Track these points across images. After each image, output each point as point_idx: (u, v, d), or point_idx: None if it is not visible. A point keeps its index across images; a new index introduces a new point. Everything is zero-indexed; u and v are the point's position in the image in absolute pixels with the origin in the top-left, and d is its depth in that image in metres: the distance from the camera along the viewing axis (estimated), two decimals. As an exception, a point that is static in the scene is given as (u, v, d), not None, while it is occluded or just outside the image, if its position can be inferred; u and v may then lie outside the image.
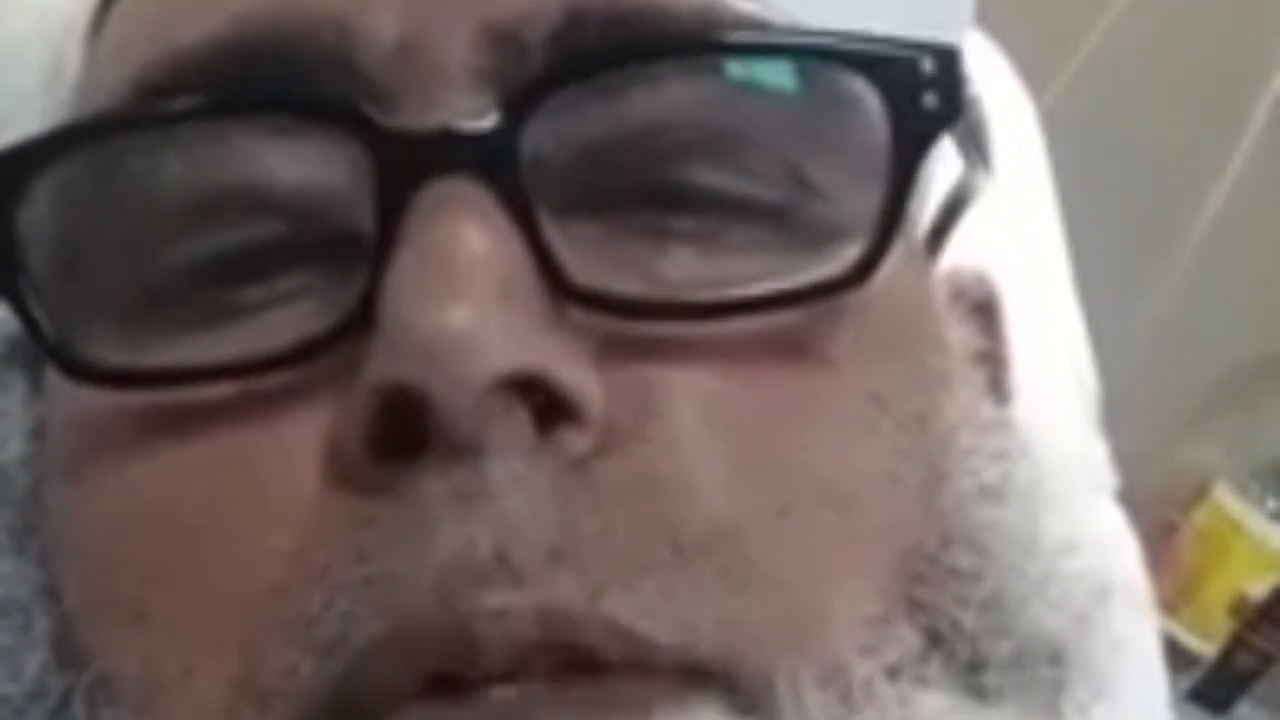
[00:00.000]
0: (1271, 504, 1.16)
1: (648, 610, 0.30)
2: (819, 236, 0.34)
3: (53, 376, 0.35)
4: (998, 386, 0.39)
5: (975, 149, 0.35)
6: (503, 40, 0.33)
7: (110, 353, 0.33)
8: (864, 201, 0.33)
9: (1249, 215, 1.06)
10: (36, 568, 0.35)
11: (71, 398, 0.34)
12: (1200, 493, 1.17)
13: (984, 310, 0.40)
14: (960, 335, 0.37)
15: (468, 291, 0.30)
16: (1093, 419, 0.56)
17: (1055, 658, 0.34)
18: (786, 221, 0.34)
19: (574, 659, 0.30)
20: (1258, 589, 1.15)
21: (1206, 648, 1.14)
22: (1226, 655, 1.14)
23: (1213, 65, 1.03)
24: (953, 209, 0.37)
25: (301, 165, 0.33)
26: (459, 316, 0.30)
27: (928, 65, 0.33)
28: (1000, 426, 0.36)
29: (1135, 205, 1.00)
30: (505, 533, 0.30)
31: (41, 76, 0.38)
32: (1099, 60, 0.98)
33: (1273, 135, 1.04)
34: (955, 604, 0.33)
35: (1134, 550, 0.52)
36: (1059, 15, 0.99)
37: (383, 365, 0.31)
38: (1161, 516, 1.12)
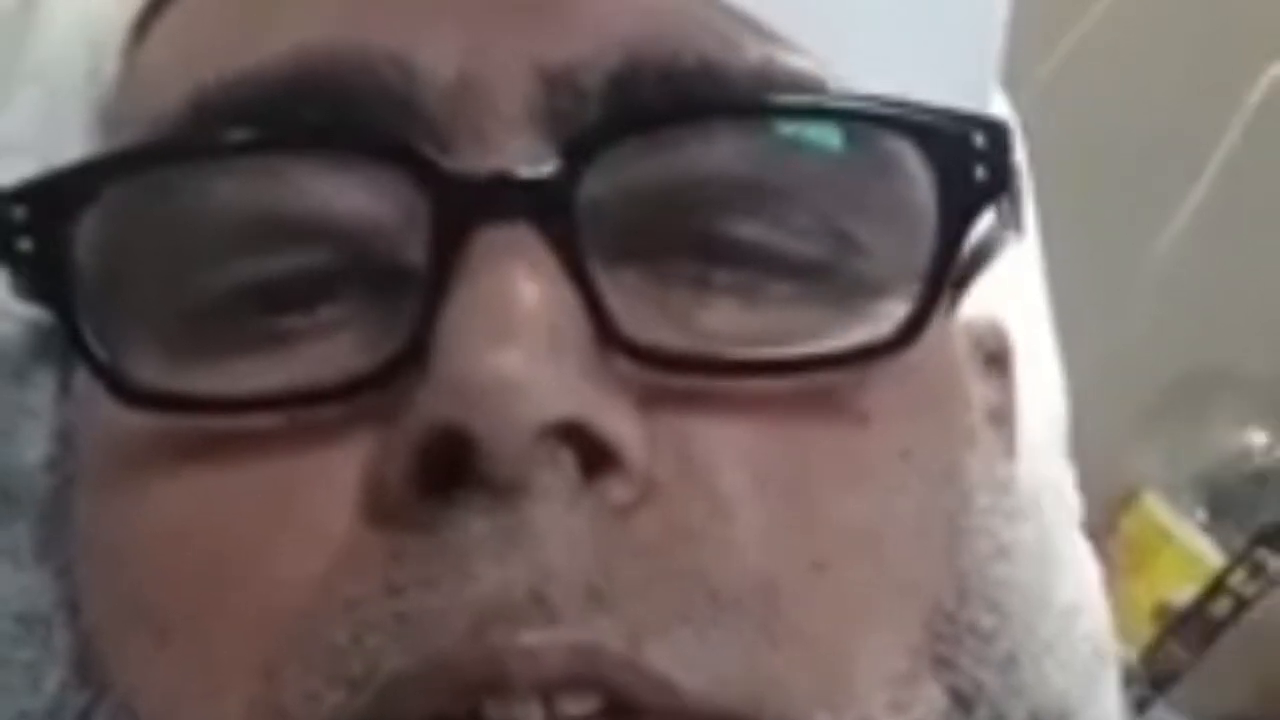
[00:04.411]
0: (1200, 515, 1.18)
1: (684, 660, 0.31)
2: (858, 294, 0.34)
3: (87, 385, 0.35)
4: (1008, 441, 0.39)
5: (1011, 212, 0.36)
6: (559, 84, 0.33)
7: (152, 374, 0.33)
8: (906, 263, 0.34)
9: (1208, 236, 1.07)
10: (58, 580, 0.35)
11: (108, 410, 0.34)
12: (1130, 499, 1.19)
13: (997, 361, 0.40)
14: (980, 391, 0.38)
15: (520, 340, 0.31)
16: (1063, 441, 0.57)
17: (1065, 719, 0.35)
18: (827, 278, 0.34)
19: (603, 706, 0.31)
20: (1181, 597, 1.17)
21: (1128, 651, 1.16)
22: (1147, 659, 1.16)
23: (1184, 82, 1.05)
24: (976, 262, 0.38)
25: (353, 197, 0.33)
26: (511, 362, 0.30)
27: (979, 139, 0.34)
28: (1013, 484, 0.37)
29: (1096, 220, 1.01)
30: (542, 574, 0.31)
31: (83, 73, 0.38)
32: (1063, 81, 0.99)
33: (1240, 159, 1.05)
34: (975, 663, 0.34)
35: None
36: (1035, 21, 1.00)
37: (434, 406, 0.31)
38: (1091, 520, 1.13)
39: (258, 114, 0.33)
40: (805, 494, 0.33)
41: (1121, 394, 1.13)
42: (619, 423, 0.32)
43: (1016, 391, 0.41)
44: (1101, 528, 1.20)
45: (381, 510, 0.32)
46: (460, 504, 0.31)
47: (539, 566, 0.31)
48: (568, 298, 0.32)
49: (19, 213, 0.33)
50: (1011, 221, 0.36)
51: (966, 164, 0.34)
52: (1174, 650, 1.16)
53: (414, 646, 0.31)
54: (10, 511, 0.37)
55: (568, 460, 0.31)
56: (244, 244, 0.34)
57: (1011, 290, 0.51)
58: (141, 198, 0.34)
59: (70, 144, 0.38)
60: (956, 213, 0.34)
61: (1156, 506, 1.18)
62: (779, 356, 0.33)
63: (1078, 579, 0.38)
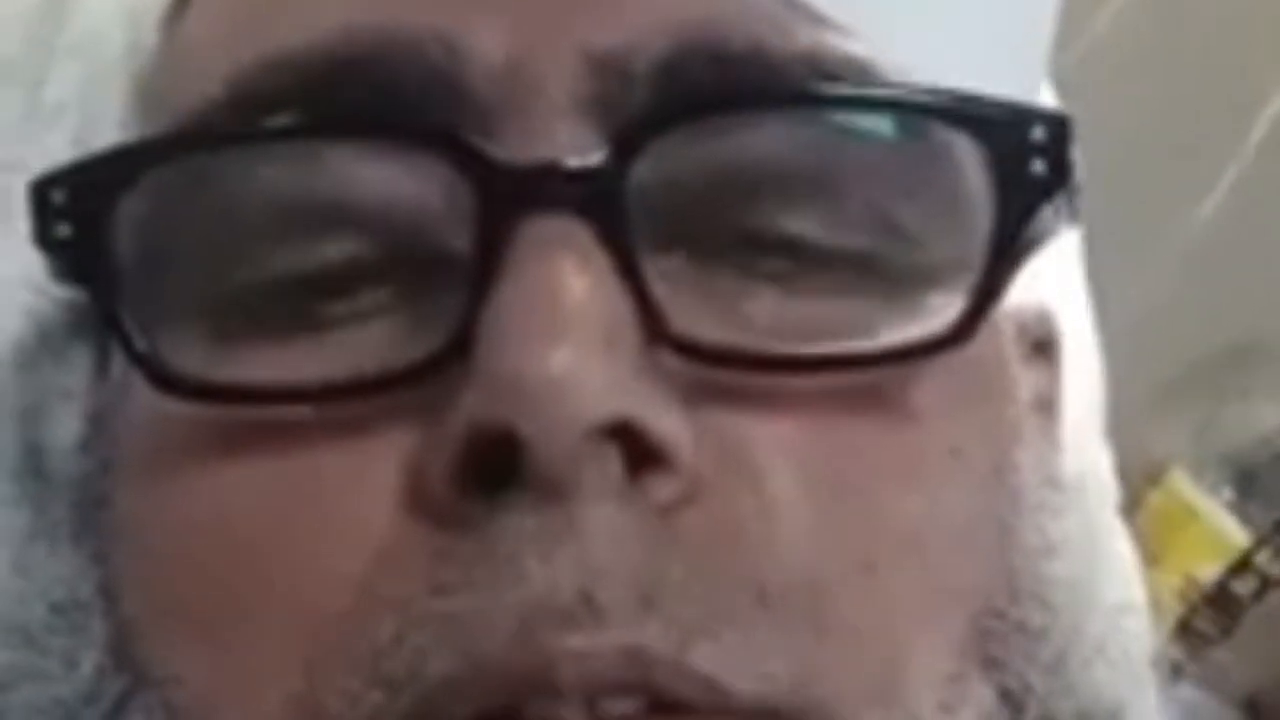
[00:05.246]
0: (1227, 493, 1.17)
1: (731, 661, 0.30)
2: (908, 286, 0.34)
3: (124, 369, 0.35)
4: (1055, 433, 0.39)
5: (1067, 206, 0.35)
6: (607, 69, 0.33)
7: (190, 361, 0.33)
8: (957, 256, 0.33)
9: (1240, 211, 1.07)
10: (95, 566, 0.34)
11: (145, 397, 0.34)
12: (1157, 475, 1.18)
13: (1044, 350, 0.40)
14: (1028, 381, 0.37)
15: (569, 337, 0.30)
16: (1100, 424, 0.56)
17: (1114, 718, 0.35)
18: (876, 268, 0.34)
19: (648, 705, 0.30)
20: (1207, 574, 1.17)
21: (1154, 628, 1.15)
22: (1172, 637, 1.16)
23: (1220, 58, 1.04)
24: (1026, 251, 0.37)
25: (396, 183, 0.33)
26: (560, 362, 0.30)
27: (1039, 132, 0.33)
28: (1060, 475, 0.37)
29: (1127, 195, 1.00)
30: (591, 575, 0.30)
31: (123, 45, 0.38)
32: (1097, 56, 0.98)
33: (1274, 135, 1.05)
34: (1025, 661, 0.33)
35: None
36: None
37: (480, 405, 0.30)
38: (1119, 494, 1.13)
39: (300, 97, 0.33)
40: (853, 492, 0.32)
41: (1149, 369, 1.12)
42: (669, 421, 0.31)
43: (1062, 380, 0.40)
44: (1128, 503, 1.20)
45: (423, 507, 0.31)
46: (505, 503, 0.30)
47: (587, 567, 0.30)
48: (616, 292, 0.31)
49: (57, 197, 0.33)
50: (1066, 214, 0.36)
51: (1025, 158, 0.33)
52: (1199, 628, 1.16)
53: (460, 648, 0.30)
54: (45, 493, 0.36)
55: (614, 458, 0.31)
56: (284, 230, 0.33)
57: (1051, 272, 0.50)
58: (180, 182, 0.33)
59: (110, 118, 0.37)
60: (1014, 208, 0.33)
61: (1183, 483, 1.17)
62: (830, 353, 0.32)
63: (1124, 575, 0.38)
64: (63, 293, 0.36)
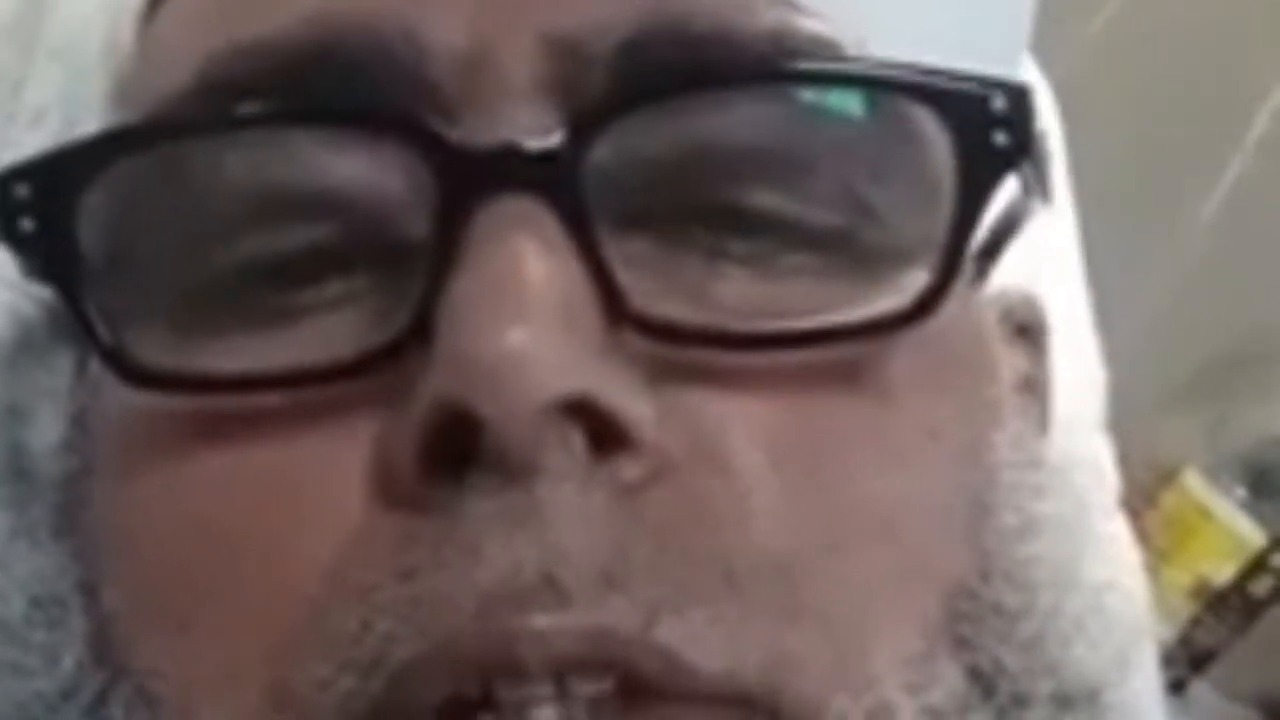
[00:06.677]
0: (1240, 493, 1.17)
1: (698, 639, 0.30)
2: (878, 264, 0.34)
3: (100, 367, 0.35)
4: (1039, 415, 0.39)
5: (1037, 180, 0.35)
6: (568, 53, 0.33)
7: (159, 353, 0.33)
8: (924, 232, 0.33)
9: (1244, 216, 1.06)
10: (75, 562, 0.34)
11: (119, 393, 0.34)
12: (1170, 476, 1.18)
13: (1029, 333, 0.39)
14: (1010, 362, 0.37)
15: (527, 315, 0.30)
16: (1100, 415, 0.56)
17: (1093, 698, 0.34)
18: (845, 248, 0.34)
19: (617, 686, 0.30)
20: (1220, 574, 1.16)
21: (1165, 629, 1.15)
22: (1185, 637, 1.15)
23: (1224, 54, 1.04)
24: (1003, 231, 0.37)
25: (360, 170, 0.33)
26: (516, 340, 0.30)
27: (1000, 102, 0.33)
28: (1043, 458, 0.37)
29: (1139, 190, 1.00)
30: (553, 555, 0.30)
31: (101, 43, 0.38)
32: (1092, 57, 0.98)
33: (1272, 144, 1.05)
34: (998, 642, 0.33)
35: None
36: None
37: (439, 385, 0.30)
38: (1129, 496, 1.12)
39: (267, 85, 0.33)
40: (823, 471, 0.32)
41: (1162, 369, 1.12)
42: (628, 399, 0.31)
43: (1051, 365, 0.40)
44: (1140, 504, 1.20)
45: (392, 492, 0.31)
46: (470, 486, 0.30)
47: (550, 548, 0.30)
48: (575, 272, 0.31)
49: (20, 191, 0.33)
50: (1037, 188, 0.35)
51: (986, 129, 0.33)
52: (1212, 629, 1.15)
53: (424, 630, 0.30)
54: (27, 492, 0.36)
55: (577, 439, 0.31)
56: (251, 219, 0.33)
57: (1045, 260, 0.50)
58: (146, 173, 0.33)
59: (90, 121, 0.37)
60: (976, 180, 0.33)
61: (1196, 484, 1.17)
62: (793, 329, 0.32)
63: (1111, 556, 0.38)
64: (44, 293, 0.36)
